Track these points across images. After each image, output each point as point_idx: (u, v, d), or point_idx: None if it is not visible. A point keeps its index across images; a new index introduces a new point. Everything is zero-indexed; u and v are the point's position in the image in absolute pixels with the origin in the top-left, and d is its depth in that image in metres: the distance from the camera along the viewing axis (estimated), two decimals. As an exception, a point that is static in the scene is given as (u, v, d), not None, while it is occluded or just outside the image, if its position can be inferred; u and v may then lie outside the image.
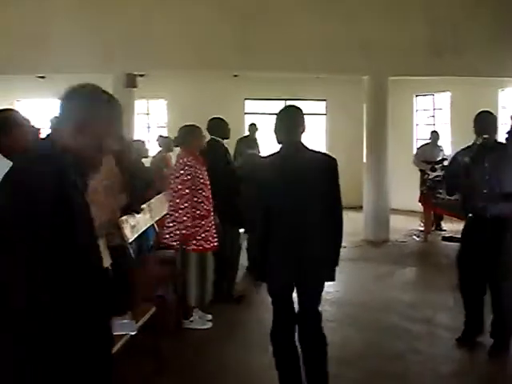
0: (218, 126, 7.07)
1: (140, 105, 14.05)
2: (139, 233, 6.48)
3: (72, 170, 2.11)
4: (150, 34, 10.34)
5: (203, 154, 6.16)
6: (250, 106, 15.55)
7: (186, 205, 5.76)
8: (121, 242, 5.76)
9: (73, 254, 1.95)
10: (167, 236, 5.86)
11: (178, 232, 5.79)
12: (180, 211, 5.77)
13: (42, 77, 14.06)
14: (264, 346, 5.11)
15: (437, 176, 10.90)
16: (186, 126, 6.19)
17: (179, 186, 5.79)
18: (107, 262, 5.02)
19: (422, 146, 12.09)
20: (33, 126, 4.12)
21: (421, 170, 11.64)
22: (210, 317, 6.17)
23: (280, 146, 4.11)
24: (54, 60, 10.35)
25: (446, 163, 11.03)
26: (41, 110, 16.09)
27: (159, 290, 6.00)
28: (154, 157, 9.69)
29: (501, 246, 5.28)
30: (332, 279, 4.16)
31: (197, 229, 5.86)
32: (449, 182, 5.67)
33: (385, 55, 10.55)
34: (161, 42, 10.33)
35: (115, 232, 5.77)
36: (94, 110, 2.15)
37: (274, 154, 4.18)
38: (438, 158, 11.36)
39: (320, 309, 4.20)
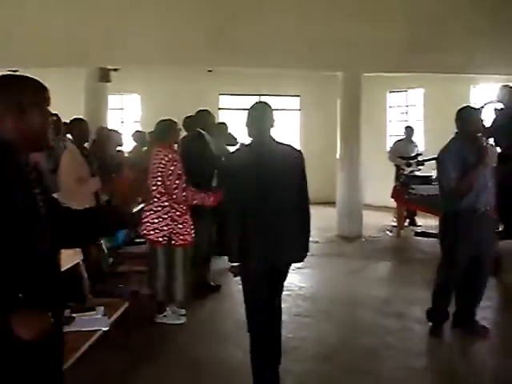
0: (207, 121, 7.14)
1: (114, 100, 13.94)
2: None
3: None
4: (124, 28, 10.26)
5: (185, 145, 6.18)
6: (224, 101, 15.52)
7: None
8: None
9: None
10: (152, 232, 5.83)
11: (165, 228, 5.79)
12: (166, 207, 5.81)
13: (15, 71, 13.87)
14: (237, 340, 5.13)
15: (412, 171, 11.00)
16: (163, 120, 6.17)
17: (168, 182, 5.77)
18: (79, 257, 4.99)
19: (396, 142, 12.13)
20: None
21: (396, 166, 11.72)
22: (183, 311, 6.14)
23: (251, 139, 4.32)
24: (25, 54, 10.22)
25: (420, 158, 11.16)
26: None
27: (133, 286, 6.00)
28: (130, 152, 9.67)
29: (493, 238, 5.67)
30: (302, 260, 4.39)
31: (184, 224, 5.87)
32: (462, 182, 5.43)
33: (359, 51, 10.58)
34: (135, 36, 10.25)
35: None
36: (23, 93, 2.24)
37: (245, 147, 4.46)
38: (413, 154, 11.45)
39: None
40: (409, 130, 11.90)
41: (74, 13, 10.20)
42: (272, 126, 4.28)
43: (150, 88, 14.46)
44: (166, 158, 5.79)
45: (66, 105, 14.17)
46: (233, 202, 4.16)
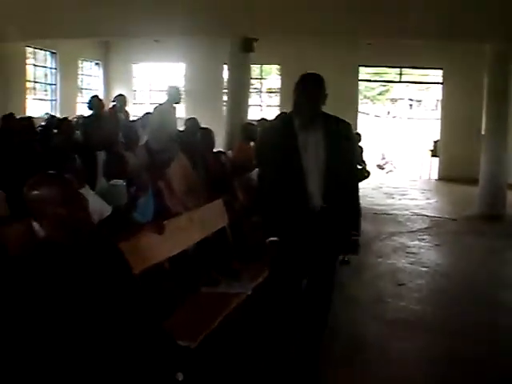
0: None
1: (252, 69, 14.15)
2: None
3: None
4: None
5: None
6: (364, 72, 15.33)
7: None
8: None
9: None
10: None
11: None
12: None
13: (157, 40, 14.42)
14: (374, 312, 5.13)
15: None
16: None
17: None
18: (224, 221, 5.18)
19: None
20: None
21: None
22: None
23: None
24: (170, 23, 10.53)
25: None
26: (156, 74, 16.65)
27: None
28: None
29: None
30: None
31: None
32: None
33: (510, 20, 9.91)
34: (277, 5, 10.27)
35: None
36: None
37: None
38: None
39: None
40: None
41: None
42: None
43: (289, 58, 14.49)
44: None
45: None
46: None
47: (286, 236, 3.83)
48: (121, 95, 10.38)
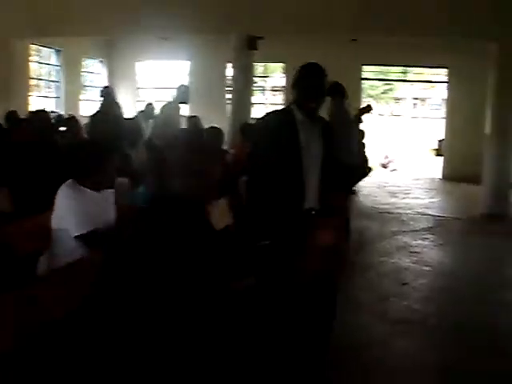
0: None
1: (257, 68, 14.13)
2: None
3: None
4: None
5: None
6: (367, 71, 15.29)
7: None
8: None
9: None
10: None
11: None
12: None
13: (165, 38, 14.41)
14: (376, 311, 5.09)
15: None
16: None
17: None
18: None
19: None
20: None
21: None
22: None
23: None
24: (175, 21, 10.53)
25: None
26: (160, 71, 16.63)
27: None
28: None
29: None
30: None
31: None
32: None
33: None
34: (281, 3, 10.26)
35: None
36: None
37: None
38: None
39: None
40: None
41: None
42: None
43: (293, 57, 14.45)
44: None
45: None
46: None
47: (279, 239, 3.57)
48: (106, 87, 10.33)
